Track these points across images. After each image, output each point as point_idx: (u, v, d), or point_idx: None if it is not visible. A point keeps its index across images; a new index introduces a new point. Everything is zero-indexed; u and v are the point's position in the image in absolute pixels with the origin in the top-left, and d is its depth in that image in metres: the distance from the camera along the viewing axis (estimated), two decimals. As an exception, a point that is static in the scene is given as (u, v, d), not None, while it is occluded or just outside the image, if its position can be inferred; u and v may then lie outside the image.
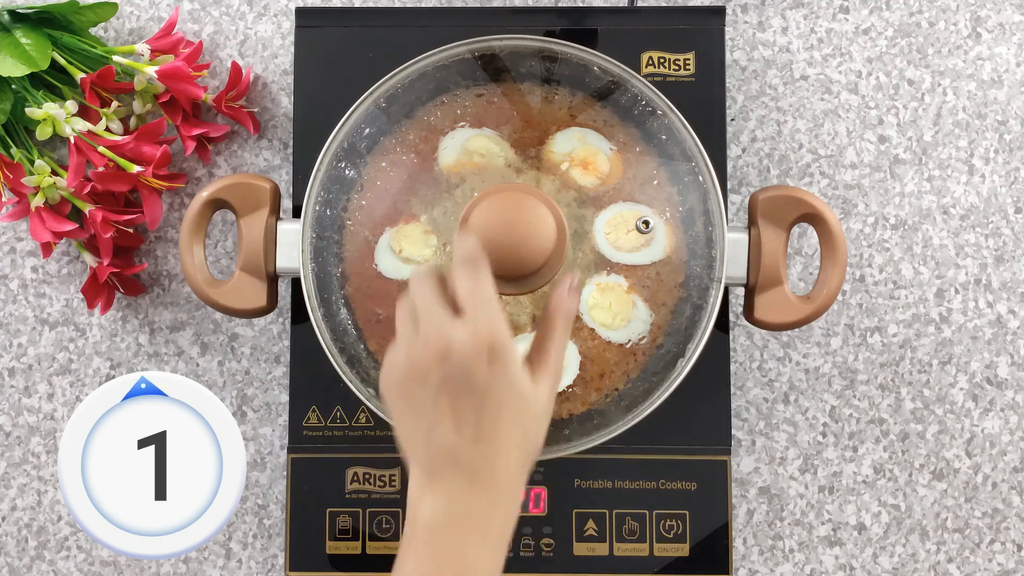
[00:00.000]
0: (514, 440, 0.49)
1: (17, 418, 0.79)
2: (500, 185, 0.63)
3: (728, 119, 0.79)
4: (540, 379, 0.50)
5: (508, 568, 0.74)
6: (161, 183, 0.75)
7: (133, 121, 0.78)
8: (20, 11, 0.76)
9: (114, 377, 0.79)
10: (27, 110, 0.73)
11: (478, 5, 0.80)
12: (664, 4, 0.79)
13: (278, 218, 0.70)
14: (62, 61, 0.76)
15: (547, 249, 0.60)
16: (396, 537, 0.74)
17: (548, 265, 0.61)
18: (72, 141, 0.73)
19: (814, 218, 0.68)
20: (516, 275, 0.60)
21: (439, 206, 0.73)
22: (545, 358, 0.52)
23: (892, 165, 0.79)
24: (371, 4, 0.81)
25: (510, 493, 0.50)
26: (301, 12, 0.77)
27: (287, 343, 0.78)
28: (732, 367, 0.77)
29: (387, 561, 0.74)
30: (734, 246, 0.68)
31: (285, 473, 0.77)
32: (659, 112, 0.69)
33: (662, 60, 0.75)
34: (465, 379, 0.47)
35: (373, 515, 0.74)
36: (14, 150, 0.75)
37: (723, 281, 0.68)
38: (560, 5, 0.80)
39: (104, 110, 0.76)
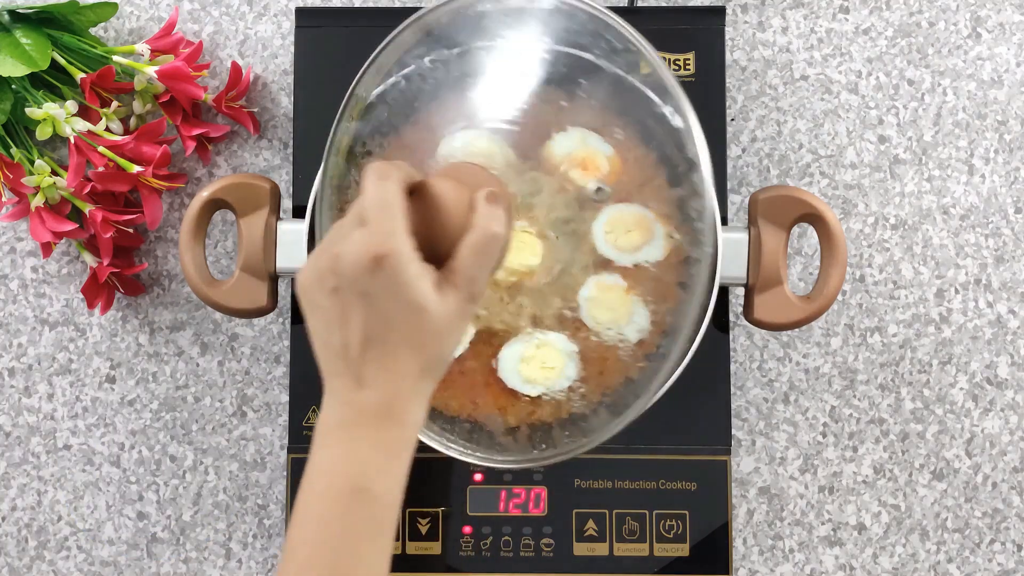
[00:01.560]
0: (405, 348, 0.49)
1: (17, 418, 0.79)
2: (450, 166, 0.60)
3: (728, 119, 0.79)
4: (447, 291, 0.49)
5: (508, 568, 0.74)
6: (161, 183, 0.75)
7: (133, 121, 0.78)
8: (20, 11, 0.76)
9: (114, 378, 0.79)
10: (27, 110, 0.73)
11: (478, 5, 0.80)
12: (664, 4, 0.79)
13: (278, 218, 0.70)
14: (62, 61, 0.76)
15: None
16: (396, 537, 0.74)
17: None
18: (72, 141, 0.73)
19: (814, 218, 0.68)
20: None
21: (439, 206, 0.73)
22: (454, 271, 0.50)
23: (892, 165, 0.79)
24: (371, 4, 0.80)
25: (402, 401, 0.50)
26: (301, 12, 0.77)
27: (287, 343, 0.78)
28: (732, 367, 0.77)
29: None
30: (734, 246, 0.68)
31: (285, 473, 0.77)
32: (657, 113, 0.69)
33: (662, 60, 0.75)
34: (351, 286, 0.48)
35: (373, 515, 0.74)
36: (14, 150, 0.75)
37: (719, 282, 0.68)
38: (560, 5, 0.80)
39: (104, 110, 0.76)
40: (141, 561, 0.79)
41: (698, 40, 0.75)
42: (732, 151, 0.79)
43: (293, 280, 0.73)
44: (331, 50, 0.76)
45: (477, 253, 0.51)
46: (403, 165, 0.52)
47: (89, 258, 0.77)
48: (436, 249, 0.52)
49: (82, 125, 0.74)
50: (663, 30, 0.76)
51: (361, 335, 0.49)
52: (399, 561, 0.74)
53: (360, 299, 0.48)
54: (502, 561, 0.74)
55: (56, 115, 0.73)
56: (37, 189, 0.74)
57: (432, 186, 0.53)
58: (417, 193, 0.53)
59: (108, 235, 0.74)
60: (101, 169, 0.73)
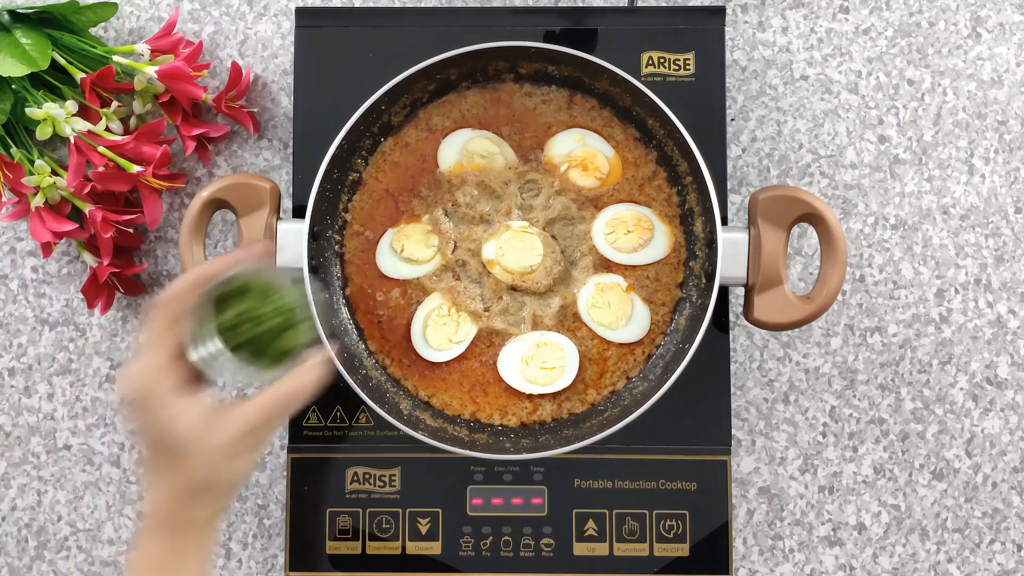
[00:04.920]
0: (166, 474, 0.55)
1: (17, 418, 0.79)
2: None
3: (728, 119, 0.79)
4: (219, 429, 0.54)
5: (508, 568, 0.74)
6: (161, 183, 0.75)
7: (133, 121, 0.78)
8: (20, 11, 0.76)
9: (114, 378, 0.79)
10: (27, 110, 0.73)
11: (478, 5, 0.80)
12: (664, 4, 0.79)
13: (278, 218, 0.70)
14: (62, 61, 0.76)
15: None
16: (396, 537, 0.74)
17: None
18: (72, 141, 0.73)
19: (814, 218, 0.68)
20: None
21: (440, 206, 0.73)
22: (243, 410, 0.55)
23: (892, 165, 0.79)
24: (371, 4, 0.81)
25: (169, 519, 0.56)
26: (301, 12, 0.77)
27: (287, 343, 0.78)
28: (732, 367, 0.77)
29: (387, 561, 0.74)
30: (734, 246, 0.68)
31: (285, 473, 0.77)
32: (657, 113, 0.69)
33: (662, 60, 0.75)
34: (128, 421, 0.56)
35: (373, 515, 0.74)
36: (14, 150, 0.75)
37: (719, 282, 0.68)
38: (560, 5, 0.80)
39: (104, 110, 0.76)
40: (141, 561, 0.79)
41: (698, 40, 0.76)
42: (732, 151, 0.79)
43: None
44: (331, 50, 0.76)
45: (280, 404, 0.55)
46: (185, 289, 0.56)
47: (89, 258, 0.77)
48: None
49: (82, 125, 0.74)
50: (663, 30, 0.76)
51: (145, 456, 0.56)
52: (399, 561, 0.74)
53: (134, 431, 0.55)
54: (502, 561, 0.74)
55: (56, 115, 0.73)
56: (37, 189, 0.74)
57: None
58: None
59: (108, 235, 0.74)
60: (101, 169, 0.73)
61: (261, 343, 0.57)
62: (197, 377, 0.58)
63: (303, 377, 0.56)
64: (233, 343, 0.57)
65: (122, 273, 0.77)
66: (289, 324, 0.57)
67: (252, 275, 0.58)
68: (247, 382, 0.60)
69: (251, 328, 0.57)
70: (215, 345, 0.57)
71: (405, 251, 0.73)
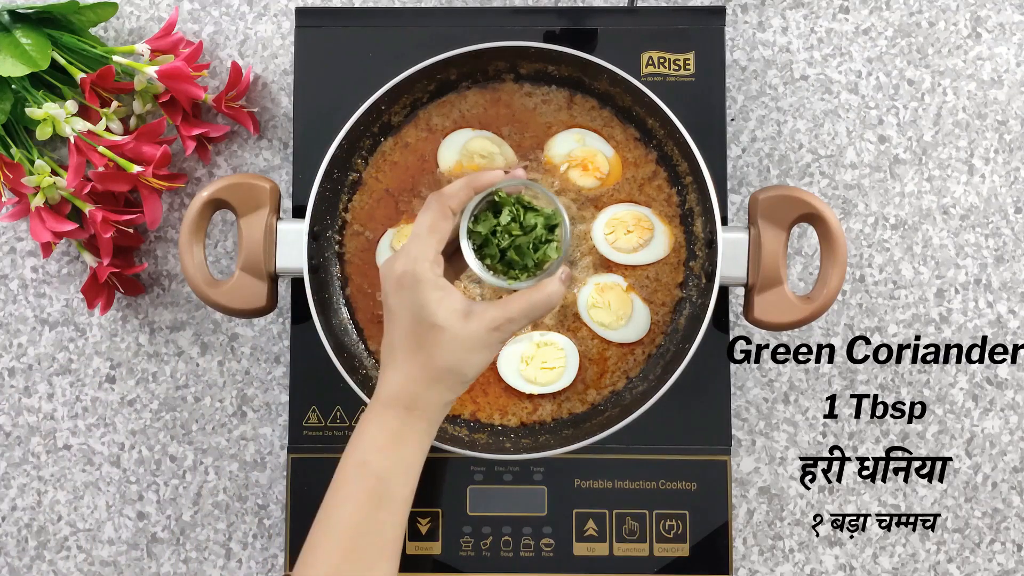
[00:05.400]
0: (417, 356, 0.58)
1: (17, 418, 0.79)
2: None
3: (728, 119, 0.79)
4: (473, 320, 0.57)
5: (508, 568, 0.74)
6: (161, 183, 0.75)
7: (133, 121, 0.78)
8: (20, 11, 0.76)
9: (114, 378, 0.79)
10: (27, 110, 0.73)
11: (478, 5, 0.80)
12: (664, 4, 0.79)
13: (278, 218, 0.70)
14: (62, 61, 0.76)
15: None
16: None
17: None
18: (72, 141, 0.73)
19: (814, 218, 0.68)
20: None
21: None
22: (498, 308, 0.58)
23: (892, 165, 0.79)
24: (371, 4, 0.81)
25: (410, 398, 0.58)
26: (301, 12, 0.77)
27: (287, 343, 0.78)
28: (732, 367, 0.77)
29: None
30: (734, 246, 0.68)
31: (285, 473, 0.77)
32: (657, 113, 0.69)
33: (662, 60, 0.75)
34: (386, 298, 0.59)
35: (373, 515, 0.74)
36: (14, 150, 0.75)
37: (719, 282, 0.68)
38: (560, 5, 0.80)
39: (104, 110, 0.76)
40: (141, 561, 0.79)
41: (698, 40, 0.76)
42: (732, 151, 0.79)
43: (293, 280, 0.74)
44: (331, 50, 0.76)
45: (530, 306, 0.58)
46: (463, 189, 0.59)
47: (89, 258, 0.77)
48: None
49: (82, 125, 0.74)
50: (663, 30, 0.76)
51: (390, 337, 0.59)
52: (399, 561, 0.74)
53: (389, 309, 0.59)
54: (502, 561, 0.74)
55: (56, 115, 0.73)
56: (37, 189, 0.74)
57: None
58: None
59: (108, 235, 0.74)
60: (101, 169, 0.73)
61: (512, 255, 0.60)
62: (451, 273, 0.61)
63: (552, 287, 0.59)
64: (483, 251, 0.60)
65: (122, 273, 0.77)
66: (542, 241, 0.60)
67: (516, 190, 0.60)
68: (494, 287, 0.66)
69: (505, 239, 0.60)
70: (469, 249, 0.59)
71: (405, 251, 0.72)
